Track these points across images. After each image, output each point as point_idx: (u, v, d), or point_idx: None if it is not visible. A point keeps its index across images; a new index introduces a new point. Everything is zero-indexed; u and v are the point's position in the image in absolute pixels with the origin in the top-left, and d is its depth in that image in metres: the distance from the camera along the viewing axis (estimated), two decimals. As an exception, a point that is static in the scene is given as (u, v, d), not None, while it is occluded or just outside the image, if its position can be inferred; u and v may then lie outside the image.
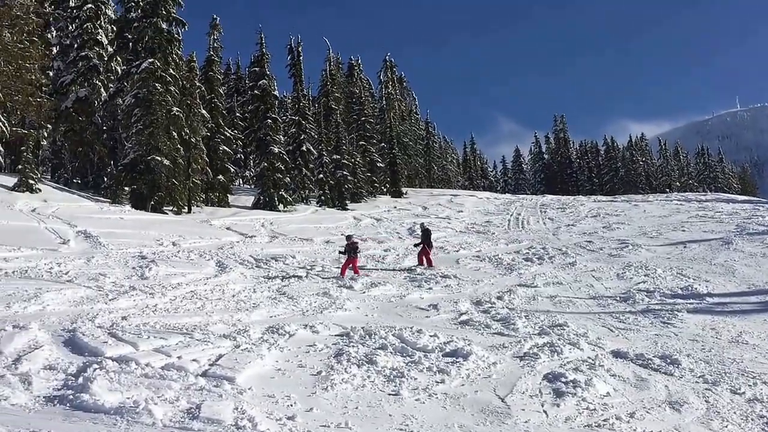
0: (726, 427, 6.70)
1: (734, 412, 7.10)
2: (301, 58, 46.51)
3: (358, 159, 46.60)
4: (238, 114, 46.17)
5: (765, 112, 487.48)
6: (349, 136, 48.16)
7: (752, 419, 6.92)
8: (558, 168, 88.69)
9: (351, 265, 17.65)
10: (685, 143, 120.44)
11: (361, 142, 50.56)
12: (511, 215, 36.21)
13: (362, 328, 10.35)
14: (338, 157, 43.07)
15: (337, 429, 6.23)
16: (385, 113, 58.91)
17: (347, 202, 41.60)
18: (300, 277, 16.38)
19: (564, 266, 19.22)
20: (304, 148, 42.21)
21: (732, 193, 70.28)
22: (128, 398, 6.39)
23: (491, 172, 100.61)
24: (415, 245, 20.82)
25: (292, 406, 6.77)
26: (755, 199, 54.61)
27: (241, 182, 51.26)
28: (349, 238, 18.55)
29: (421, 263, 19.36)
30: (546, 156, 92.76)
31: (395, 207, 42.09)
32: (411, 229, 29.13)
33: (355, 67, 61.49)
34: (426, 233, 20.16)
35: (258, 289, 14.40)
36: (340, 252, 18.79)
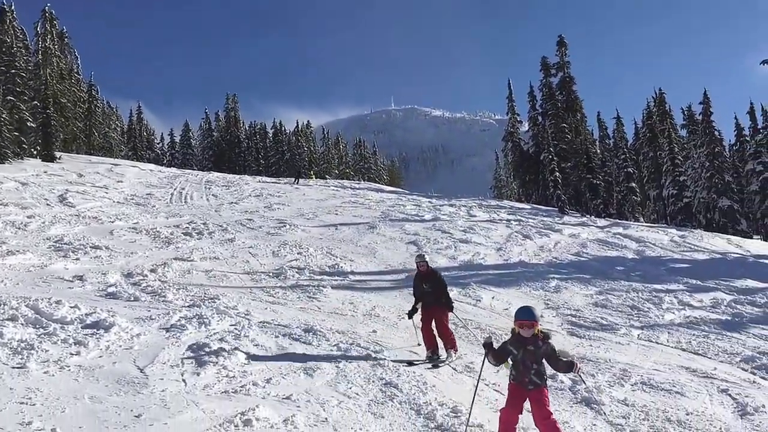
0: (350, 388, 7.43)
1: (359, 376, 7.91)
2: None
3: (4, 115, 41.36)
4: None
5: (414, 113, 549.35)
6: (-6, 88, 42.57)
7: (373, 381, 7.79)
8: (227, 146, 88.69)
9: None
10: (346, 135, 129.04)
11: (9, 97, 44.92)
12: (175, 189, 35.32)
13: (-11, 299, 9.32)
14: (-21, 110, 37.84)
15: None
16: (40, 69, 53.09)
17: (-13, 161, 36.82)
18: None
19: (223, 242, 19.39)
20: (-68, 95, 36.27)
21: (381, 184, 77.21)
22: None
23: (158, 144, 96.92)
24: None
25: None
26: (400, 190, 60.67)
27: None
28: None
29: None
30: (216, 134, 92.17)
31: (46, 172, 38.23)
32: (62, 196, 26.81)
33: (7, 13, 54.35)
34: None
35: None
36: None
